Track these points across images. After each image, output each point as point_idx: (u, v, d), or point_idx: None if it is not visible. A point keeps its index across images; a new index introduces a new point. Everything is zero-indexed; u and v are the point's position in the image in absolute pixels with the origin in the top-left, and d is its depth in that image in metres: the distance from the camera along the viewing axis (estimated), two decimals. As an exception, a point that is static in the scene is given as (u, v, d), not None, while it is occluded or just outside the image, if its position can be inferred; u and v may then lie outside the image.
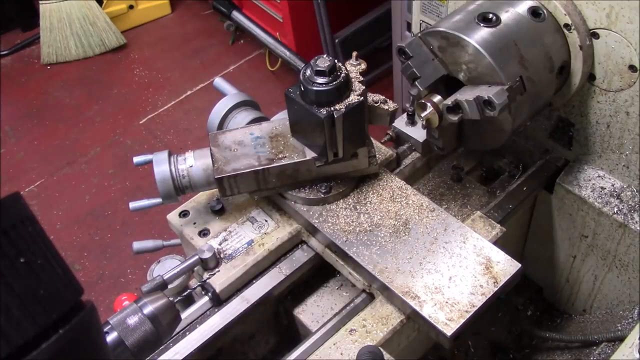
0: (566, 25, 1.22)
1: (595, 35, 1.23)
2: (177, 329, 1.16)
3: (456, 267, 1.15)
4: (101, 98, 3.63)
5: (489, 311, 1.73)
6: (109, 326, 0.99)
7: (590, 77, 1.29)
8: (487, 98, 1.11)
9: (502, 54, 1.16)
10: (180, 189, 1.26)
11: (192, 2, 4.15)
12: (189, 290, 1.26)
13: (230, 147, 1.26)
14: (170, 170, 1.24)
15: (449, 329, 1.07)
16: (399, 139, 1.47)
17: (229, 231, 1.30)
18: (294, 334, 1.37)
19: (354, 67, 1.21)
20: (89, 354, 0.58)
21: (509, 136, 1.26)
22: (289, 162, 1.23)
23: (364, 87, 1.18)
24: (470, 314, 1.08)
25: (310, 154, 1.23)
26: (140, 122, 3.46)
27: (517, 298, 1.76)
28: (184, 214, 1.35)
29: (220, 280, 1.22)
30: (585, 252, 1.52)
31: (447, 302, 1.10)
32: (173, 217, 1.35)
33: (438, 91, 1.21)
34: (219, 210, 1.34)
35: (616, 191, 1.39)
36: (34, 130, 3.49)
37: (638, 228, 1.34)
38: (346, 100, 1.16)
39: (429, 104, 1.19)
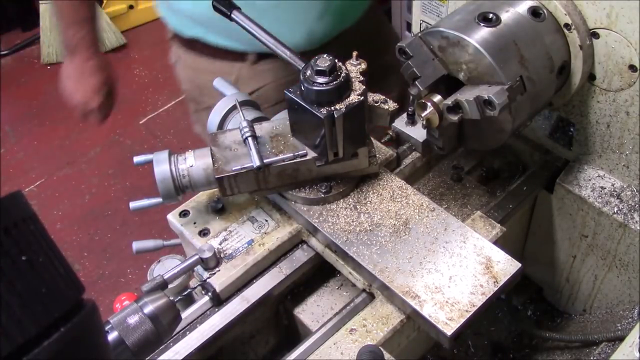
0: (566, 25, 1.22)
1: (595, 35, 1.23)
2: (177, 329, 1.16)
3: (456, 267, 1.15)
4: (101, 98, 3.62)
5: (489, 311, 1.73)
6: (109, 325, 1.00)
7: (591, 77, 1.29)
8: (487, 98, 1.11)
9: (502, 53, 1.16)
10: (181, 189, 1.26)
11: (192, 2, 4.15)
12: (189, 290, 1.26)
13: (230, 147, 1.26)
14: (171, 169, 1.24)
15: (449, 329, 1.07)
16: (399, 139, 1.47)
17: (229, 231, 1.31)
18: (294, 334, 1.37)
19: (354, 67, 1.22)
20: (90, 352, 0.58)
21: (509, 136, 1.26)
22: (289, 162, 1.23)
23: (364, 87, 1.18)
24: (471, 313, 1.08)
25: (310, 154, 1.23)
26: (140, 122, 3.47)
27: (517, 298, 1.76)
28: (184, 213, 1.35)
29: (220, 280, 1.22)
30: (585, 252, 1.52)
31: (447, 302, 1.10)
32: (173, 217, 1.35)
33: (438, 91, 1.21)
34: (219, 210, 1.34)
35: (616, 191, 1.39)
36: (34, 130, 3.49)
37: (638, 228, 1.35)
38: (346, 100, 1.16)
39: (429, 104, 1.19)
